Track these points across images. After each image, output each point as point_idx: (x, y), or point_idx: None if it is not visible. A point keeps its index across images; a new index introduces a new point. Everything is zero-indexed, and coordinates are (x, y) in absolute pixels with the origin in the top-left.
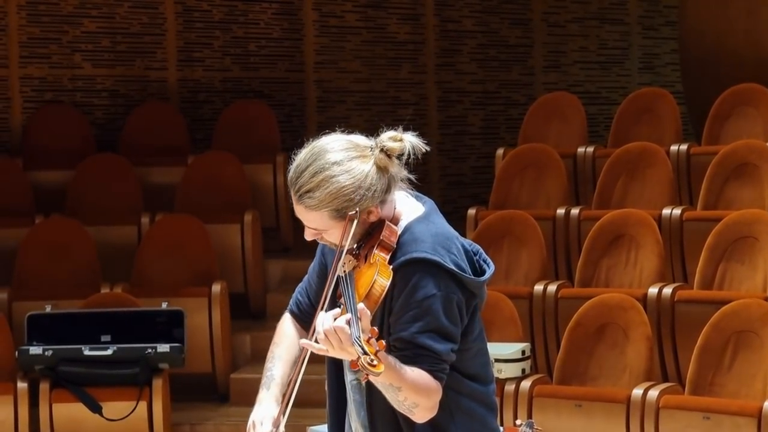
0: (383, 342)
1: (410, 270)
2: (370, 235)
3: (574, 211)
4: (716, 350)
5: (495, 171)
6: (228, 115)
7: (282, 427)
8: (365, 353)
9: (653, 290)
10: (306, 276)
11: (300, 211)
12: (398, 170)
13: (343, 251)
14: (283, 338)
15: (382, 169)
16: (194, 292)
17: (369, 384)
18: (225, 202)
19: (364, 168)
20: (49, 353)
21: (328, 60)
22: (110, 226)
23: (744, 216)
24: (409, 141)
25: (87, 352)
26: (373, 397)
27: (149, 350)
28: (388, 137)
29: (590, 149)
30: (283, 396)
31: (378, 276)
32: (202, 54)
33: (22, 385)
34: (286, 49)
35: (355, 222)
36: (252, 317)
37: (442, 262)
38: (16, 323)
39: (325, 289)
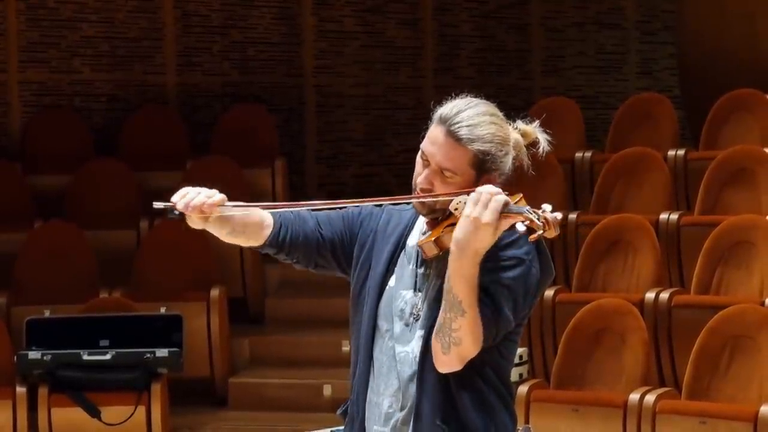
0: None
1: (511, 231)
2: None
3: (572, 216)
4: (713, 355)
5: None
6: (227, 120)
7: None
8: (536, 216)
9: (650, 295)
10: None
11: (443, 146)
12: (524, 158)
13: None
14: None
15: (515, 147)
16: (193, 297)
17: (422, 356)
18: None
19: (510, 132)
20: (47, 358)
21: (327, 65)
22: (109, 230)
23: (741, 221)
24: (541, 133)
25: (86, 357)
26: (425, 371)
27: (148, 355)
28: (522, 122)
29: (588, 154)
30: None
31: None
32: (201, 59)
33: (20, 390)
34: (284, 53)
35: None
36: (250, 322)
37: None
38: (14, 328)
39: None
